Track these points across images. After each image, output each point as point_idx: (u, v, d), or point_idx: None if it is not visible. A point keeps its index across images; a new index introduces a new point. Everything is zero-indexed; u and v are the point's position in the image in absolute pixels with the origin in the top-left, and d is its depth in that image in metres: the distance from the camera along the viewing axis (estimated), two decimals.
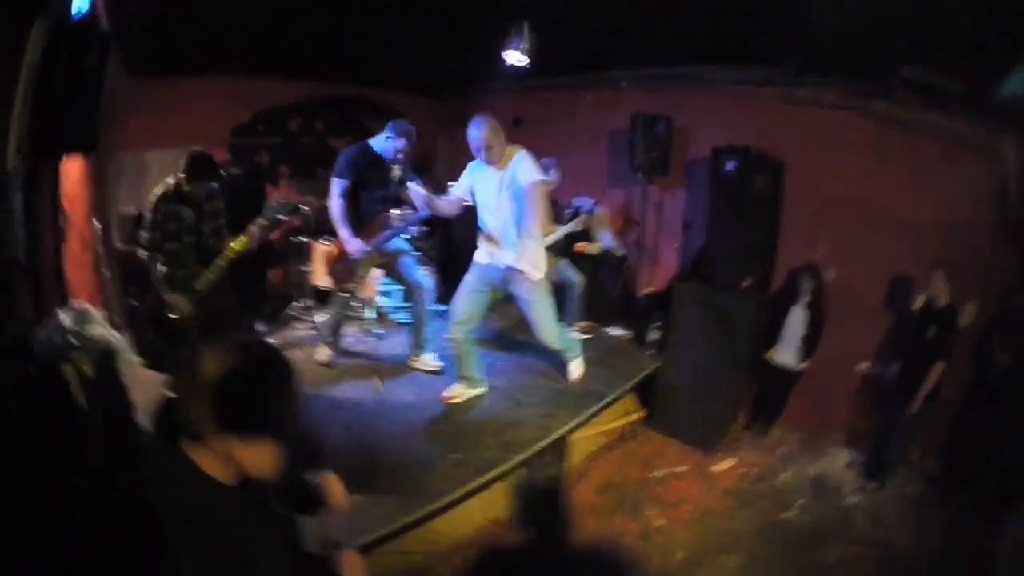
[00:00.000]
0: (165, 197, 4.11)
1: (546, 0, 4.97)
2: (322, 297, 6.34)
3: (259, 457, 1.41)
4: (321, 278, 6.21)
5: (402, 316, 6.45)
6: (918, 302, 5.08)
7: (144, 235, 4.12)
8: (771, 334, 5.70)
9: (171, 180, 4.16)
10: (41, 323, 2.84)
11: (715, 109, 6.45)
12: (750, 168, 5.66)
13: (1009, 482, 4.46)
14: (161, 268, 4.16)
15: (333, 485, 1.98)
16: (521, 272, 4.41)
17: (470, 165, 4.59)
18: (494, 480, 3.96)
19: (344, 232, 4.79)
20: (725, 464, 5.35)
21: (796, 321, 5.56)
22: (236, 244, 4.21)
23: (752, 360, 5.72)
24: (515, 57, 5.58)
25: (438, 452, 4.05)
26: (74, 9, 3.58)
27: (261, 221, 4.23)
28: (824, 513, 4.86)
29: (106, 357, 2.96)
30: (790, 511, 4.84)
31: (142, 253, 4.14)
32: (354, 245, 4.78)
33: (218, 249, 4.29)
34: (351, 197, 4.84)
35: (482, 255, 4.58)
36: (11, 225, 3.43)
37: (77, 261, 5.10)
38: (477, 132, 4.24)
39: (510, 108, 7.80)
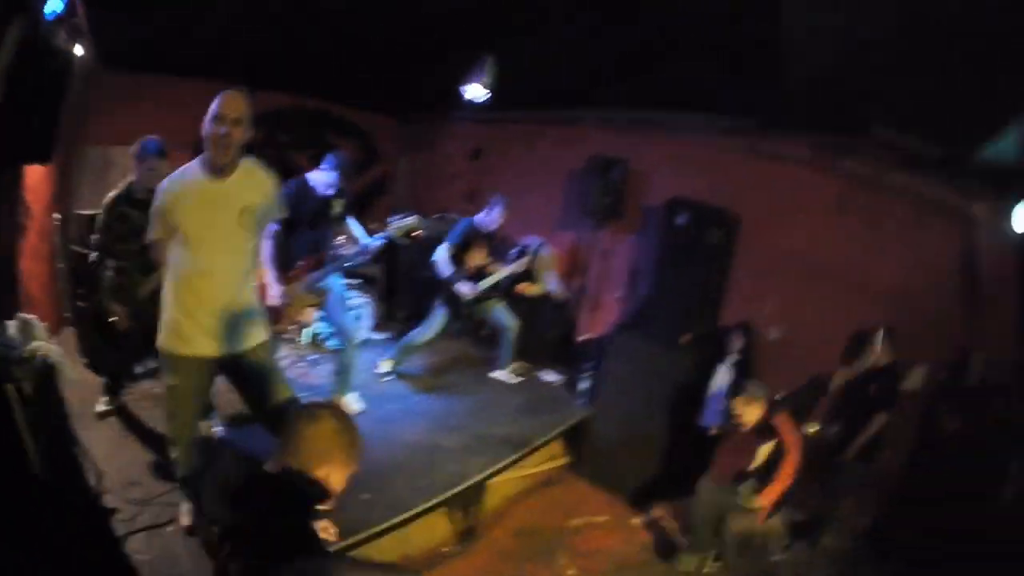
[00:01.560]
0: (118, 198, 4.09)
1: (513, 34, 5.00)
2: None
3: None
4: None
5: (335, 342, 6.31)
6: (864, 363, 5.07)
7: (94, 237, 4.14)
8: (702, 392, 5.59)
9: (123, 182, 4.16)
10: None
11: (676, 155, 6.43)
12: (702, 222, 5.65)
13: (938, 547, 4.47)
14: (108, 273, 4.15)
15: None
16: None
17: None
18: (399, 526, 3.91)
19: (269, 275, 4.47)
20: (643, 517, 5.29)
21: (722, 379, 5.47)
22: None
23: (682, 416, 5.60)
24: (476, 91, 5.60)
25: (348, 493, 3.94)
26: (48, 9, 3.45)
27: None
28: (746, 571, 4.79)
29: (45, 374, 2.98)
30: (709, 569, 4.78)
31: (92, 255, 4.17)
32: (275, 291, 4.49)
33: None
34: (286, 235, 4.59)
35: None
36: None
37: (35, 252, 5.17)
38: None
39: (472, 137, 7.85)
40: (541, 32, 4.85)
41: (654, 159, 6.58)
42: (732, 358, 5.48)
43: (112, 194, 4.13)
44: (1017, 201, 4.31)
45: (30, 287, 5.00)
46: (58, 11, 3.49)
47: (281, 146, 7.45)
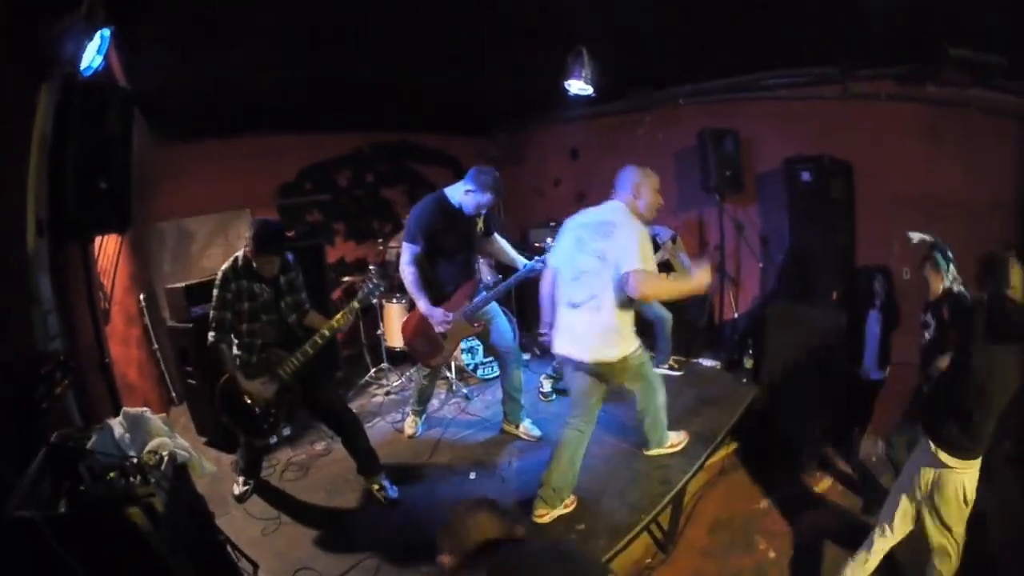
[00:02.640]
0: (234, 272, 3.82)
1: (591, 25, 4.77)
2: (397, 360, 6.27)
3: None
4: (396, 340, 6.06)
5: (486, 371, 6.29)
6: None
7: (212, 314, 3.82)
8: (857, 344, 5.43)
9: (238, 254, 3.87)
10: (89, 437, 2.41)
11: (774, 115, 6.32)
12: (823, 175, 5.53)
13: None
14: (234, 350, 3.87)
15: None
16: None
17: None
18: (627, 546, 3.77)
19: (423, 303, 4.41)
20: (826, 483, 5.18)
21: (874, 327, 5.31)
22: (327, 330, 3.85)
23: (844, 375, 5.46)
24: (578, 86, 5.38)
25: (563, 526, 3.82)
26: (84, 66, 3.22)
27: (359, 302, 3.92)
28: None
29: (177, 478, 2.56)
30: None
31: (211, 335, 3.82)
32: (437, 316, 4.42)
33: (300, 328, 4.05)
34: (430, 259, 4.49)
35: None
36: (40, 315, 3.08)
37: (121, 338, 4.99)
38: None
39: (566, 139, 7.76)
40: (612, 19, 4.69)
41: (753, 123, 6.45)
42: (878, 303, 5.27)
43: (226, 267, 3.85)
44: None
45: (127, 374, 4.90)
46: (96, 67, 3.30)
47: (369, 186, 7.42)
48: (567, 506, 3.91)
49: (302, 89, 5.40)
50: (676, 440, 4.58)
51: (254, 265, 3.82)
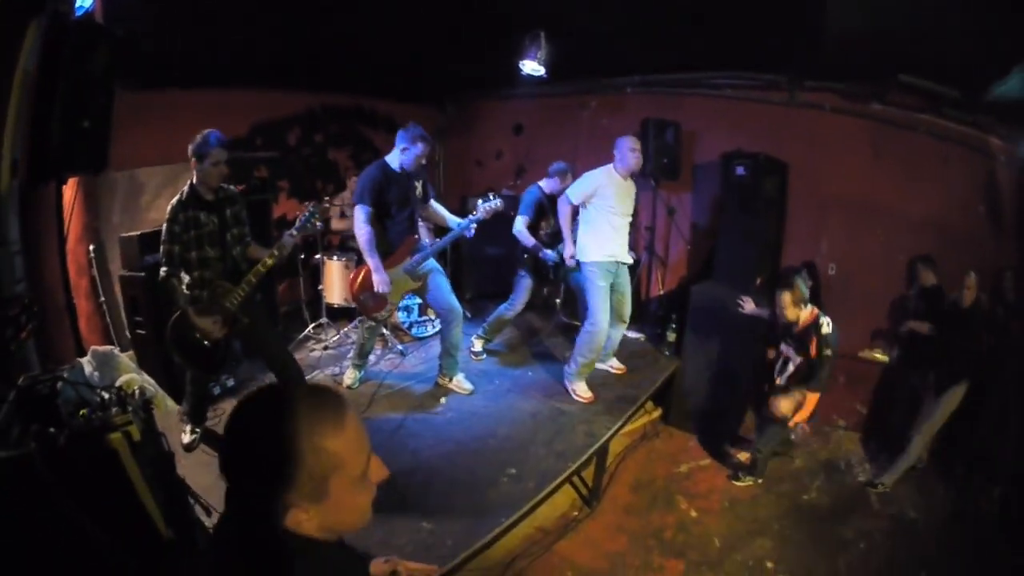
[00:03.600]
0: (181, 204, 3.80)
1: (550, 7, 4.92)
2: (335, 316, 6.38)
3: None
4: (335, 296, 6.23)
5: (420, 331, 6.49)
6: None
7: (162, 248, 3.80)
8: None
9: (185, 187, 3.86)
10: (61, 375, 2.34)
11: (718, 112, 6.68)
12: (759, 172, 5.83)
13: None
14: (184, 287, 3.82)
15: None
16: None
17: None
18: (554, 491, 4.00)
19: (373, 261, 4.58)
20: (743, 455, 5.48)
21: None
22: (270, 258, 3.85)
23: (762, 357, 5.84)
24: (531, 66, 5.57)
25: (494, 469, 4.04)
26: (77, 5, 3.18)
27: (294, 232, 3.96)
28: (839, 492, 5.17)
29: (146, 411, 2.56)
30: (809, 493, 5.11)
31: (163, 271, 3.80)
32: (380, 278, 4.59)
33: (244, 260, 4.06)
34: (377, 218, 4.65)
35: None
36: (7, 256, 3.02)
37: (72, 288, 4.86)
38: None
39: (512, 114, 7.94)
40: (571, 6, 4.83)
41: (697, 118, 6.82)
42: None
43: (174, 201, 3.81)
44: None
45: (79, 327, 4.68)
46: (87, 7, 3.29)
47: (318, 146, 7.44)
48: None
49: (262, 46, 5.38)
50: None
51: (200, 189, 3.85)
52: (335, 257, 6.26)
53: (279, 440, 1.07)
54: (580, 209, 5.16)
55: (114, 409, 2.25)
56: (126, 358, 2.92)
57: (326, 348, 6.03)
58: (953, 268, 5.34)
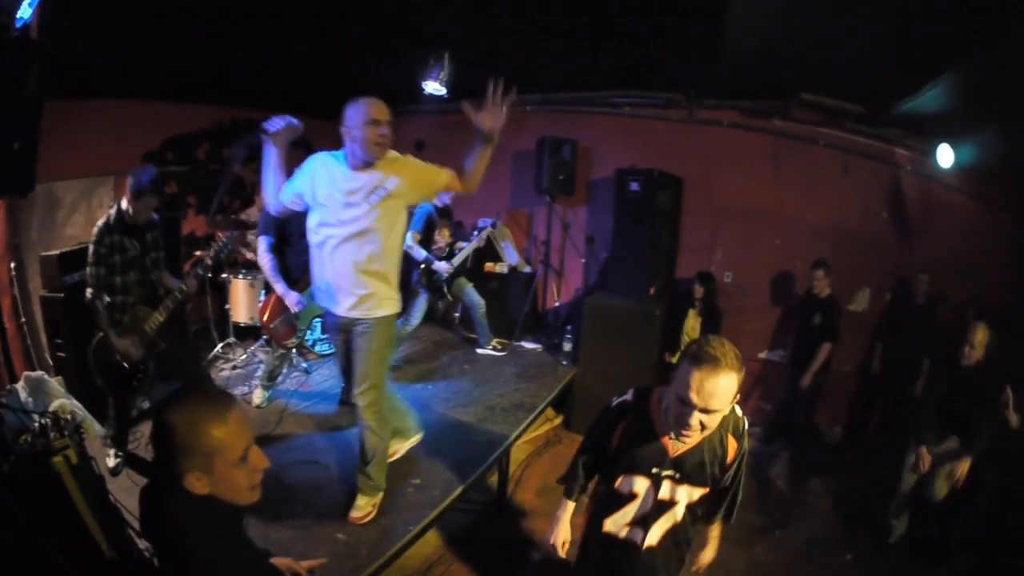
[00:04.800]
0: (107, 227, 3.85)
1: (453, 25, 5.04)
2: (243, 335, 6.41)
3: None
4: (242, 315, 6.27)
5: (324, 347, 6.57)
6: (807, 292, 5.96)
7: (88, 270, 3.83)
8: (674, 337, 6.27)
9: (112, 210, 3.89)
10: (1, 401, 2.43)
11: (615, 129, 7.05)
12: (652, 187, 6.15)
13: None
14: (107, 309, 3.88)
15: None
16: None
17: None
18: (457, 499, 4.16)
19: (280, 287, 4.77)
20: None
21: (692, 324, 6.17)
22: (179, 293, 4.02)
23: (659, 362, 6.26)
24: (433, 87, 5.72)
25: (400, 480, 4.17)
26: (18, 16, 2.97)
27: (210, 258, 4.16)
28: (747, 484, 5.38)
29: (79, 436, 2.60)
30: None
31: (88, 292, 3.83)
32: (292, 299, 4.78)
33: (159, 284, 4.14)
34: (280, 248, 4.85)
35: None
36: None
37: None
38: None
39: (413, 131, 8.06)
40: (475, 22, 4.95)
41: (598, 134, 7.17)
42: (698, 303, 6.12)
43: (101, 223, 3.85)
44: (938, 144, 5.16)
45: None
46: (26, 19, 3.04)
47: (225, 160, 7.31)
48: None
49: (175, 58, 5.28)
50: None
51: (128, 216, 3.89)
52: (241, 276, 6.29)
53: (178, 425, 1.52)
54: None
55: (52, 434, 2.36)
56: (56, 383, 3.03)
57: (235, 368, 6.05)
58: (852, 271, 6.01)
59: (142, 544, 2.51)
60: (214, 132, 7.14)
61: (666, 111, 6.74)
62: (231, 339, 6.35)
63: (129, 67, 5.29)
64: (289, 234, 4.84)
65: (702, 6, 3.99)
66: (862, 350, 6.32)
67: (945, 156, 5.17)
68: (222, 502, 1.58)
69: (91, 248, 3.83)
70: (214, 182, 7.15)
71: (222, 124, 7.20)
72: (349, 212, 3.22)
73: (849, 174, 6.12)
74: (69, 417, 2.58)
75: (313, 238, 3.35)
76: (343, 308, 3.35)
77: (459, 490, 4.14)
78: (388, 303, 3.41)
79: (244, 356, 6.25)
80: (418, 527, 3.71)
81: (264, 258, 4.77)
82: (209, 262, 4.16)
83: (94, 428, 2.99)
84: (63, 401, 2.90)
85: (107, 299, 3.89)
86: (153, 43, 4.85)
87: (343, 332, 3.49)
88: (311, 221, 3.34)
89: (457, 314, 7.29)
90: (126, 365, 3.96)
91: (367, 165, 3.23)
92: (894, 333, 6.08)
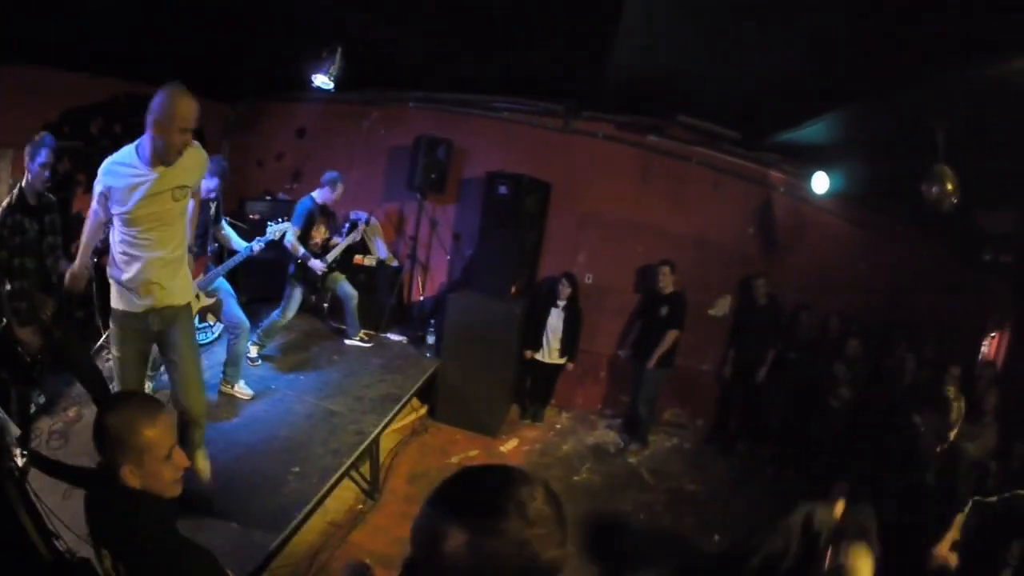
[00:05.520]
0: (10, 207, 3.71)
1: (345, 19, 5.12)
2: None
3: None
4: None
5: (201, 336, 6.31)
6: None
7: None
8: (535, 334, 6.71)
9: (16, 189, 3.75)
10: None
11: (492, 133, 7.37)
12: (520, 191, 6.48)
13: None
14: (7, 297, 3.73)
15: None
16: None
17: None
18: (335, 485, 4.40)
19: None
20: (511, 444, 6.27)
21: (555, 322, 6.60)
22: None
23: (519, 357, 6.70)
24: (322, 80, 5.77)
25: (281, 469, 4.32)
26: None
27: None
28: (610, 472, 6.05)
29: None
30: (580, 474, 5.95)
31: None
32: None
33: (54, 271, 3.97)
34: None
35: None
36: None
37: None
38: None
39: (296, 118, 8.06)
40: (365, 15, 5.01)
41: (475, 136, 7.46)
42: (562, 302, 6.56)
43: (3, 203, 3.72)
44: (814, 171, 5.84)
45: None
46: None
47: (117, 137, 6.78)
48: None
49: (75, 22, 4.95)
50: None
51: (29, 194, 3.76)
52: None
53: (114, 425, 1.78)
54: None
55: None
56: None
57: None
58: (715, 280, 6.75)
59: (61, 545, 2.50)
60: (108, 105, 6.75)
61: (543, 119, 7.12)
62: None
63: (30, 32, 4.98)
64: None
65: (593, 24, 4.20)
66: (721, 351, 6.99)
67: (820, 183, 5.82)
68: (151, 495, 1.83)
69: None
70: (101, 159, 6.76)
71: (117, 97, 6.80)
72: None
73: (719, 190, 6.76)
74: None
75: None
76: None
77: (334, 478, 4.34)
78: None
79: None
80: (301, 514, 3.88)
81: None
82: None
83: (10, 428, 2.82)
84: None
85: (7, 286, 3.74)
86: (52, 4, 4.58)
87: None
88: None
89: (326, 304, 7.35)
90: (27, 356, 3.85)
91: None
92: (743, 333, 6.76)
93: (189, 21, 5.11)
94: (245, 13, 4.99)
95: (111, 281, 3.31)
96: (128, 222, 3.13)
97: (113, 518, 1.83)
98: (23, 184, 3.76)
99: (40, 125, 5.74)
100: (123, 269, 3.21)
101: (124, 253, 3.19)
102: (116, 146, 6.59)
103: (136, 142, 3.11)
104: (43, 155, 3.71)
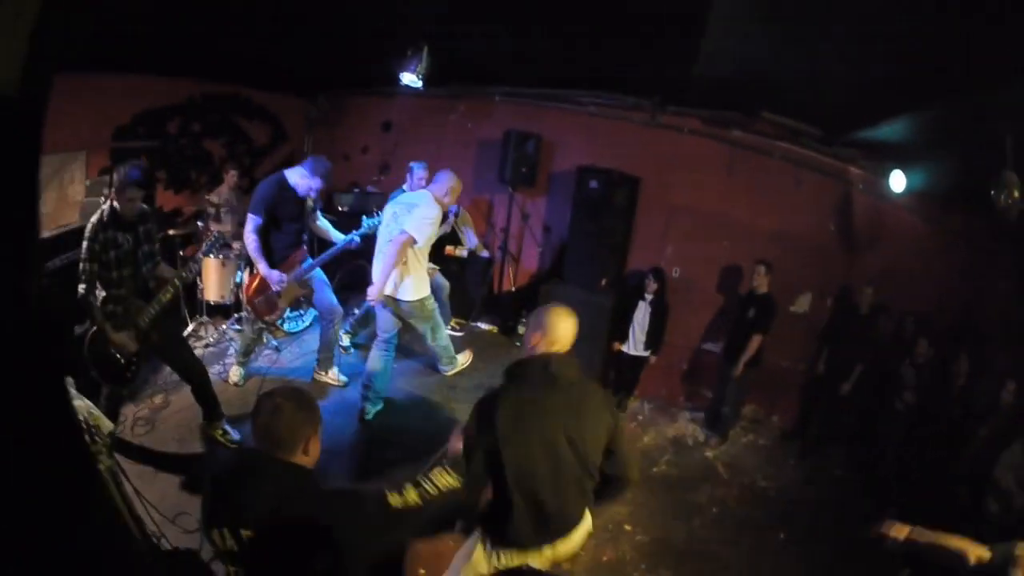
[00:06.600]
0: (101, 224, 3.87)
1: (428, 15, 5.12)
2: (213, 313, 6.59)
3: None
4: (213, 293, 6.39)
5: (292, 325, 6.78)
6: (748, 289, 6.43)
7: (81, 266, 3.85)
8: (622, 327, 6.69)
9: (104, 206, 3.93)
10: None
11: (578, 126, 7.39)
12: (610, 185, 6.54)
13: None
14: (99, 303, 3.94)
15: None
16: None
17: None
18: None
19: (262, 266, 4.99)
20: None
21: (641, 315, 6.59)
22: (177, 280, 4.12)
23: (607, 348, 6.73)
24: (409, 78, 5.85)
25: (382, 446, 4.67)
26: None
27: (200, 256, 4.38)
28: (688, 464, 6.05)
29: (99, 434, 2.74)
30: (659, 466, 5.96)
31: (80, 288, 3.84)
32: (275, 277, 5.00)
33: (153, 277, 4.21)
34: (267, 229, 5.03)
35: None
36: None
37: None
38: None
39: (381, 112, 8.26)
40: (454, 13, 5.02)
41: (560, 131, 7.50)
42: (649, 295, 6.53)
43: (94, 219, 3.88)
44: (892, 169, 5.62)
45: None
46: None
47: (194, 136, 7.32)
48: None
49: (145, 28, 5.07)
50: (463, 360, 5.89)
51: (118, 211, 3.91)
52: (212, 255, 6.23)
53: (308, 417, 2.22)
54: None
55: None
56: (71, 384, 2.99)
57: (208, 346, 6.19)
58: (797, 276, 6.56)
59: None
60: (185, 106, 7.07)
61: (629, 113, 7.08)
62: (203, 318, 6.49)
63: (99, 39, 4.97)
64: (280, 219, 5.07)
65: (682, 21, 4.14)
66: (801, 348, 6.83)
67: (898, 181, 5.61)
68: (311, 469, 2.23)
69: (84, 244, 3.87)
70: (183, 157, 7.20)
71: (193, 97, 7.13)
72: None
73: (801, 187, 6.57)
74: (86, 416, 2.69)
75: None
76: None
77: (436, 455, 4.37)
78: None
79: (216, 335, 6.42)
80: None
81: (249, 237, 4.95)
82: (201, 256, 4.41)
83: (104, 425, 3.09)
84: (80, 402, 2.79)
85: (102, 294, 3.98)
86: (124, 14, 4.62)
87: None
88: None
89: None
90: (120, 358, 4.08)
91: None
92: (836, 340, 6.55)
93: (267, 18, 5.20)
94: (324, 9, 5.03)
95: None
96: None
97: (279, 491, 2.10)
98: (115, 204, 3.93)
99: (112, 128, 6.17)
100: None
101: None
102: (196, 144, 7.07)
103: None
104: (129, 191, 3.90)
